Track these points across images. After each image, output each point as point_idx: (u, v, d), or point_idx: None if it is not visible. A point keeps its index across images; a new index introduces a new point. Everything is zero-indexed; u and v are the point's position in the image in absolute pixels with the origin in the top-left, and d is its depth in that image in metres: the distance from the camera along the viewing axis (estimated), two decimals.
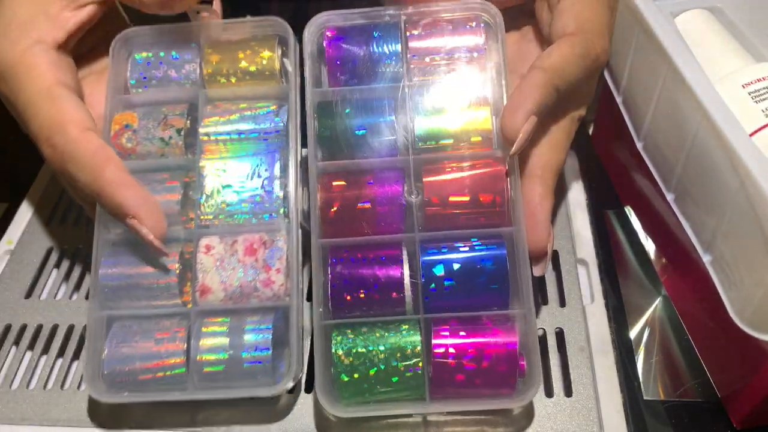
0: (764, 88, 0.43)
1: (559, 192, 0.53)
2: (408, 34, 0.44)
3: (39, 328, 0.48)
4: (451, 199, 0.41)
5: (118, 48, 0.46)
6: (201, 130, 0.44)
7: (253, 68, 0.45)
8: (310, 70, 0.44)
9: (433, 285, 0.40)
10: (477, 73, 0.43)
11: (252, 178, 0.43)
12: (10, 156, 0.45)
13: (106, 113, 0.45)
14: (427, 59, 0.44)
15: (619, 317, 0.49)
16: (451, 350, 0.39)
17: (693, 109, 0.41)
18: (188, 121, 0.45)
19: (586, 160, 0.55)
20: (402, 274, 0.40)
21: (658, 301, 0.51)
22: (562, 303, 0.47)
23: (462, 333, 0.39)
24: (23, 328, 0.48)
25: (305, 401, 0.43)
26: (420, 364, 0.39)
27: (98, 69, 0.50)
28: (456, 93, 0.43)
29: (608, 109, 0.54)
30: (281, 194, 0.43)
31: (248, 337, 0.41)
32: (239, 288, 0.42)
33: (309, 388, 0.43)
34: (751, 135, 0.41)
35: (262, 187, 0.43)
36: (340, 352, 0.39)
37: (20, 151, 0.45)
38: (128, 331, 0.42)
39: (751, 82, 0.43)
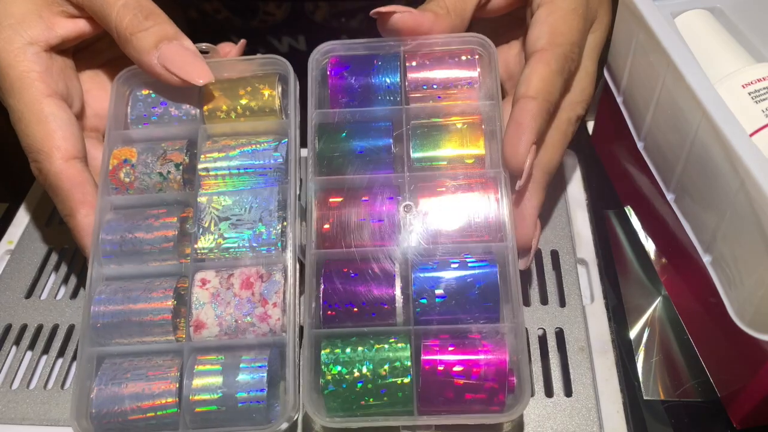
0: (764, 88, 0.43)
1: (559, 192, 0.53)
2: (407, 64, 0.45)
3: (39, 328, 0.48)
4: (445, 218, 0.42)
5: (120, 84, 0.46)
6: (200, 165, 0.44)
7: (253, 104, 0.46)
8: (313, 92, 0.45)
9: (424, 299, 0.40)
10: (471, 102, 0.45)
11: (250, 212, 0.43)
12: (10, 156, 0.45)
13: (104, 148, 0.45)
14: (425, 87, 0.45)
15: (619, 317, 0.49)
16: (440, 366, 0.39)
17: (693, 109, 0.41)
18: (187, 157, 0.45)
19: (586, 160, 0.55)
20: (394, 287, 0.40)
21: (658, 301, 0.51)
22: (562, 303, 0.47)
23: (451, 348, 0.39)
24: (23, 328, 0.48)
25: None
26: (408, 378, 0.39)
27: (99, 63, 0.49)
28: (451, 119, 0.44)
29: (608, 109, 0.54)
30: (279, 228, 0.43)
31: (243, 376, 0.39)
32: (235, 322, 0.41)
33: None
34: (751, 135, 0.41)
35: (260, 220, 0.43)
36: (329, 362, 0.39)
37: (20, 151, 0.45)
38: (118, 369, 0.40)
39: (751, 82, 0.43)
